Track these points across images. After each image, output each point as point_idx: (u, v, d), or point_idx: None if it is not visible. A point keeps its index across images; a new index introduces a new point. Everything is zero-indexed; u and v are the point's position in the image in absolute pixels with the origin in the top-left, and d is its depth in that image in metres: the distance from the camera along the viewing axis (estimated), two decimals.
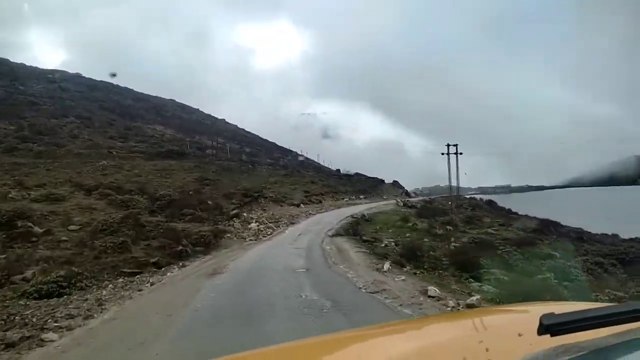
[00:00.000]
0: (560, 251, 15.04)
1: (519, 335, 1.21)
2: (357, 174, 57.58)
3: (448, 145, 29.04)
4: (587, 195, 79.68)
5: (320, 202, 42.79)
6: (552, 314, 0.92)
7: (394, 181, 58.17)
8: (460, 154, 28.52)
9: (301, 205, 36.43)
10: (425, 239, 17.41)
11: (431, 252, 14.41)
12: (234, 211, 24.06)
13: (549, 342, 0.93)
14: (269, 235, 19.92)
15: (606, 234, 23.45)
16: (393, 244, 16.48)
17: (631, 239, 21.12)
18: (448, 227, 20.66)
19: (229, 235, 18.65)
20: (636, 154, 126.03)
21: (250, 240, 18.59)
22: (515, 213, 33.42)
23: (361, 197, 49.26)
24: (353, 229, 18.65)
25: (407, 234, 18.49)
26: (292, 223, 25.14)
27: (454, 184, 32.84)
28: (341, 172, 57.49)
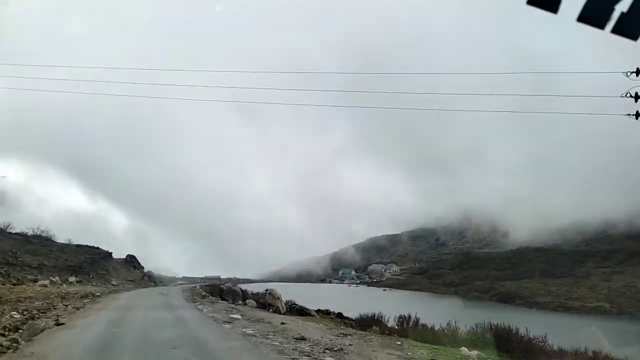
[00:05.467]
0: None
1: None
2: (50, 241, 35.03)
3: None
4: (304, 288, 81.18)
5: None
6: None
7: (129, 256, 38.94)
8: None
9: None
10: None
11: None
12: None
13: None
14: None
15: None
16: None
17: None
18: None
19: None
20: (329, 253, 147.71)
21: None
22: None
23: (73, 279, 28.72)
24: None
25: None
26: None
27: None
28: (33, 233, 33.60)
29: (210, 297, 24.37)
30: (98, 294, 23.17)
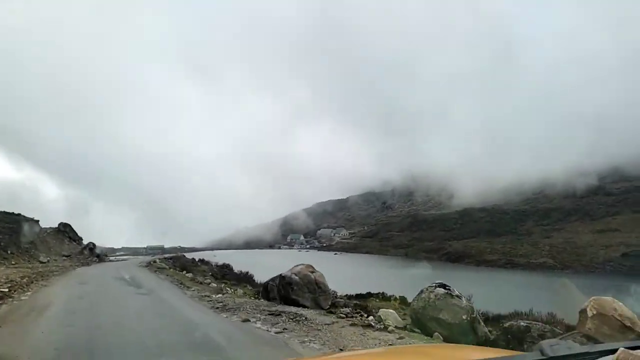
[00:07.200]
0: None
1: None
2: None
3: None
4: (252, 256, 76.88)
5: None
6: None
7: (63, 225, 31.43)
8: None
9: None
10: None
11: None
12: None
13: None
14: None
15: None
16: None
17: None
18: None
19: None
20: (279, 218, 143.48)
21: None
22: None
23: None
24: None
25: None
26: None
27: None
28: None
29: (228, 289, 14.85)
30: (6, 289, 12.79)
